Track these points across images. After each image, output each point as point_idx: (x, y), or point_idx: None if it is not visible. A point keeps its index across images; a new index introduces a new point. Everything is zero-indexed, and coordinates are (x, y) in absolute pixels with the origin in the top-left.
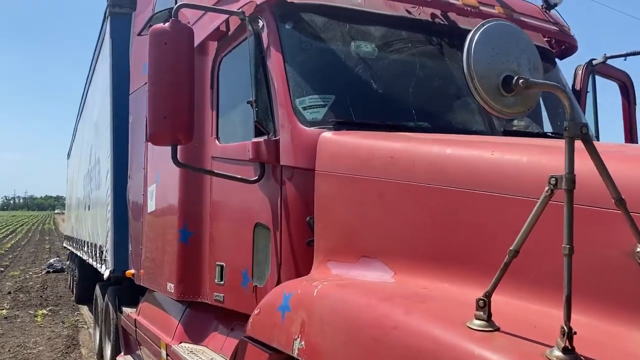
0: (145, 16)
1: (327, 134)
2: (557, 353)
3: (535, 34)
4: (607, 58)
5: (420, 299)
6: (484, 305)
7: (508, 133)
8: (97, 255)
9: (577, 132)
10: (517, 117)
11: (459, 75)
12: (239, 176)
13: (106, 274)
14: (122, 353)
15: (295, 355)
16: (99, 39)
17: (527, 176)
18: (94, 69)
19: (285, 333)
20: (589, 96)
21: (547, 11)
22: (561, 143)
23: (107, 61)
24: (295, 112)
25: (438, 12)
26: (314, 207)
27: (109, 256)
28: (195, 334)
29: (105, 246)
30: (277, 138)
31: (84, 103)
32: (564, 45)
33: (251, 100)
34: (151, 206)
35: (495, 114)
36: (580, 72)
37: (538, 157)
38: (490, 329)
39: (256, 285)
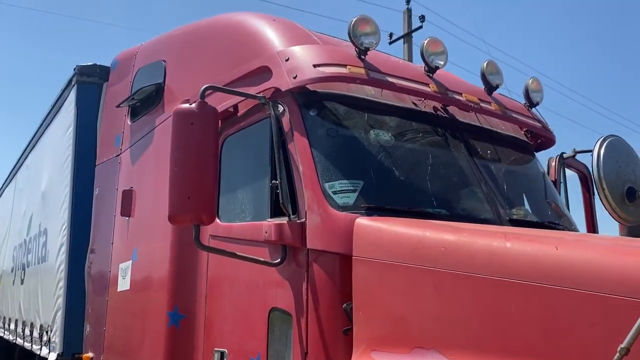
0: (120, 89)
1: (364, 220)
2: None
3: (517, 128)
4: (576, 152)
5: None
6: None
7: (513, 222)
8: (36, 336)
9: None
10: (633, 224)
11: (466, 165)
12: (262, 259)
13: (52, 358)
14: None
15: None
16: (55, 104)
17: (600, 272)
18: (42, 134)
19: None
20: (561, 186)
21: (529, 109)
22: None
23: (67, 130)
24: (325, 196)
25: (444, 106)
26: (353, 294)
27: (57, 338)
28: None
29: (52, 326)
30: (303, 221)
31: (18, 168)
32: (543, 139)
33: (276, 182)
34: (123, 284)
35: (620, 221)
36: (553, 163)
37: (604, 256)
38: None
39: None
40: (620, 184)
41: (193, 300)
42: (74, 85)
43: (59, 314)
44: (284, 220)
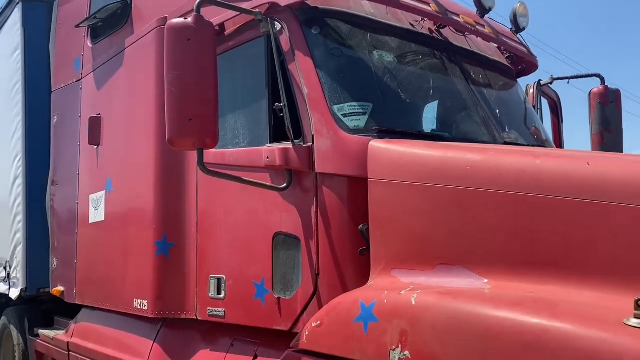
0: (75, 8)
1: (379, 143)
2: None
3: (500, 54)
4: (553, 79)
5: (551, 304)
6: None
7: (507, 144)
8: None
9: None
10: None
11: (463, 89)
12: (268, 184)
13: (14, 294)
14: None
15: None
16: None
17: (628, 185)
18: None
19: (373, 344)
20: (538, 112)
21: (516, 34)
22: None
23: (14, 54)
24: (335, 119)
25: (438, 28)
26: (370, 215)
27: (19, 273)
28: (179, 354)
29: (12, 262)
30: (310, 145)
31: None
32: (526, 64)
33: (280, 105)
34: (97, 216)
35: None
36: (531, 90)
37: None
38: None
39: (280, 297)
40: None
41: (182, 228)
42: (18, 2)
43: (19, 249)
44: (287, 144)
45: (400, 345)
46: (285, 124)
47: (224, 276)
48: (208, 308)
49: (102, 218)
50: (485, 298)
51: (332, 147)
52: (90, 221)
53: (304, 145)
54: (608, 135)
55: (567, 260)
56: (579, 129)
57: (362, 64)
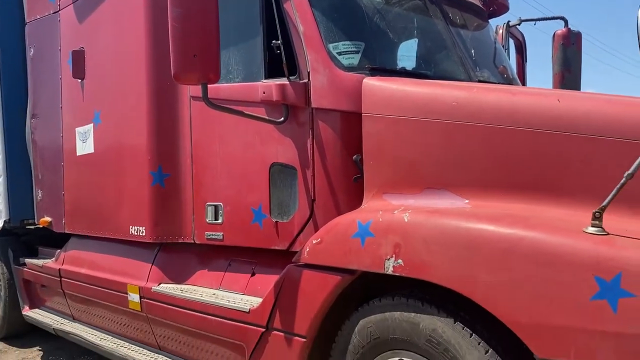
0: None
1: (372, 80)
2: None
3: None
4: (521, 21)
5: (523, 219)
6: (599, 216)
7: (480, 82)
8: None
9: None
10: None
11: (444, 30)
12: (267, 117)
13: None
14: (27, 307)
15: (389, 272)
16: None
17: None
18: None
19: (370, 255)
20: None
21: None
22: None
23: None
24: (330, 57)
25: None
26: (363, 146)
27: (1, 205)
28: (177, 274)
29: None
30: (305, 81)
31: None
32: (498, 6)
33: (277, 42)
34: (85, 148)
35: None
36: (500, 30)
37: (603, 106)
38: (605, 233)
39: (277, 221)
40: None
41: (176, 160)
42: None
43: (1, 182)
44: (283, 81)
45: (394, 256)
46: (281, 61)
47: (221, 203)
48: (206, 232)
49: (92, 150)
50: (467, 214)
51: (328, 83)
52: (78, 153)
53: (300, 82)
54: (568, 75)
55: (538, 183)
56: (541, 68)
57: (355, 4)
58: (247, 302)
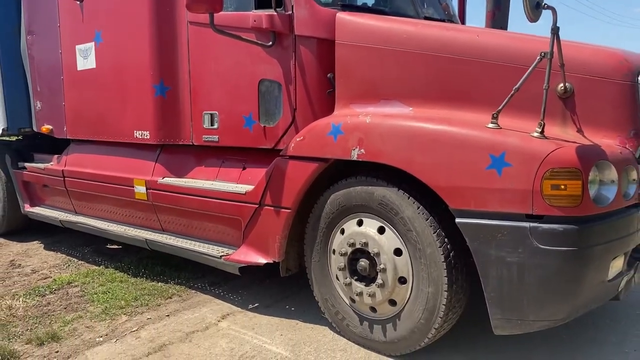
0: None
1: (344, 14)
2: (536, 134)
3: None
4: None
5: (447, 119)
6: (496, 117)
7: (426, 18)
8: None
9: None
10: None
11: None
12: (258, 42)
13: None
14: (28, 206)
15: (354, 158)
16: None
17: (504, 51)
18: None
19: (340, 147)
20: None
21: None
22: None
23: None
24: None
25: None
26: (335, 67)
27: None
28: (178, 170)
29: None
30: (290, 13)
31: None
32: None
33: None
34: (86, 64)
35: (531, 21)
36: None
37: (507, 41)
38: (499, 127)
39: (265, 126)
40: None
41: (176, 74)
42: None
43: None
44: (271, 12)
45: (358, 146)
46: None
47: (216, 112)
48: (203, 136)
49: (93, 66)
50: (410, 117)
51: (308, 15)
52: (79, 68)
53: (286, 13)
54: (498, 13)
55: (459, 96)
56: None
57: None
58: (242, 187)
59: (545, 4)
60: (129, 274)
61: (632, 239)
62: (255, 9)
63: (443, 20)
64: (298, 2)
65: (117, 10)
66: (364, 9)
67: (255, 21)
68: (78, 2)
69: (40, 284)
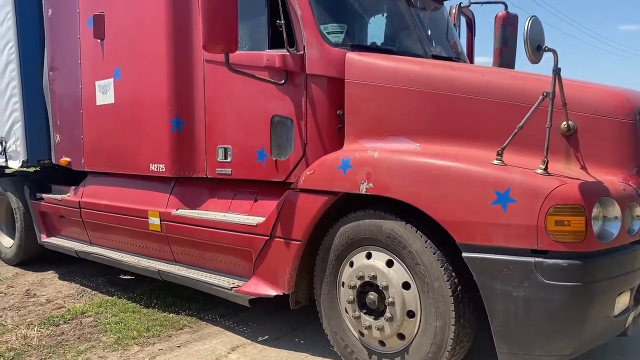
0: None
1: (353, 54)
2: (540, 170)
3: None
4: (471, 3)
5: (453, 155)
6: (500, 153)
7: (434, 57)
8: None
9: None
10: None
11: (407, 13)
12: (271, 80)
13: (15, 165)
14: (44, 236)
15: (363, 192)
16: None
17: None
18: None
19: (349, 181)
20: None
21: None
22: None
23: None
24: (322, 35)
25: None
26: (345, 104)
27: (19, 147)
28: (191, 202)
29: (7, 138)
30: (302, 53)
31: None
32: None
33: (281, 22)
34: (104, 99)
35: (532, 62)
36: (453, 10)
37: (510, 80)
38: (503, 164)
39: (277, 159)
40: (534, 42)
41: (192, 110)
42: None
43: (17, 126)
44: (283, 51)
45: (366, 180)
46: (281, 35)
47: (230, 146)
48: (217, 169)
49: (112, 101)
50: (417, 153)
51: (319, 55)
52: (98, 103)
53: (298, 53)
54: (505, 50)
55: (464, 132)
56: (486, 42)
57: None
58: (253, 219)
59: (546, 46)
60: (141, 305)
61: (637, 274)
62: (269, 49)
63: (450, 58)
64: (310, 43)
65: (137, 48)
66: (373, 48)
67: (268, 60)
68: (99, 41)
69: (54, 313)
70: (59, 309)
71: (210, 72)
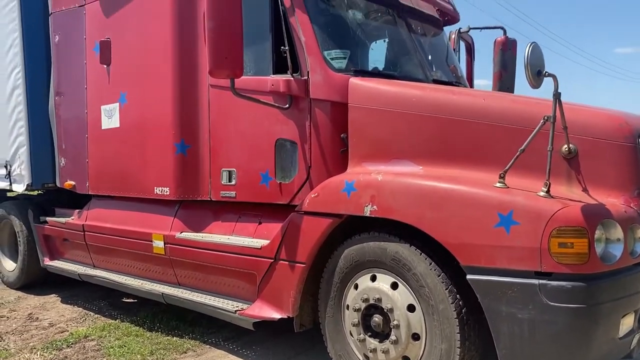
0: None
1: (357, 80)
2: (542, 193)
3: (432, 7)
4: (470, 28)
5: (456, 178)
6: (503, 176)
7: (434, 81)
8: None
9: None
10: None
11: (408, 39)
12: (276, 104)
13: (20, 188)
14: (47, 259)
15: (367, 214)
16: None
17: (509, 113)
18: None
19: (353, 204)
20: (458, 54)
21: None
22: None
23: None
24: (325, 61)
25: None
26: (349, 128)
27: (24, 171)
28: (195, 225)
29: (12, 162)
30: (305, 78)
31: None
32: (451, 17)
33: (285, 48)
34: (110, 123)
35: (533, 87)
36: (453, 36)
37: (511, 104)
38: (506, 187)
39: (281, 182)
40: (535, 67)
41: (196, 133)
42: None
43: (22, 150)
44: (287, 77)
45: (370, 203)
46: (285, 61)
47: (234, 169)
48: (221, 192)
49: (117, 125)
50: (420, 175)
51: (323, 81)
52: (103, 127)
53: (302, 78)
54: (505, 74)
55: (467, 156)
56: (485, 66)
57: (343, 20)
58: (257, 242)
59: (546, 72)
60: (144, 328)
61: None
62: (273, 74)
63: (451, 83)
64: (313, 69)
65: (143, 73)
66: (375, 73)
67: (273, 85)
68: (105, 66)
69: (57, 337)
70: (61, 332)
71: (215, 96)
